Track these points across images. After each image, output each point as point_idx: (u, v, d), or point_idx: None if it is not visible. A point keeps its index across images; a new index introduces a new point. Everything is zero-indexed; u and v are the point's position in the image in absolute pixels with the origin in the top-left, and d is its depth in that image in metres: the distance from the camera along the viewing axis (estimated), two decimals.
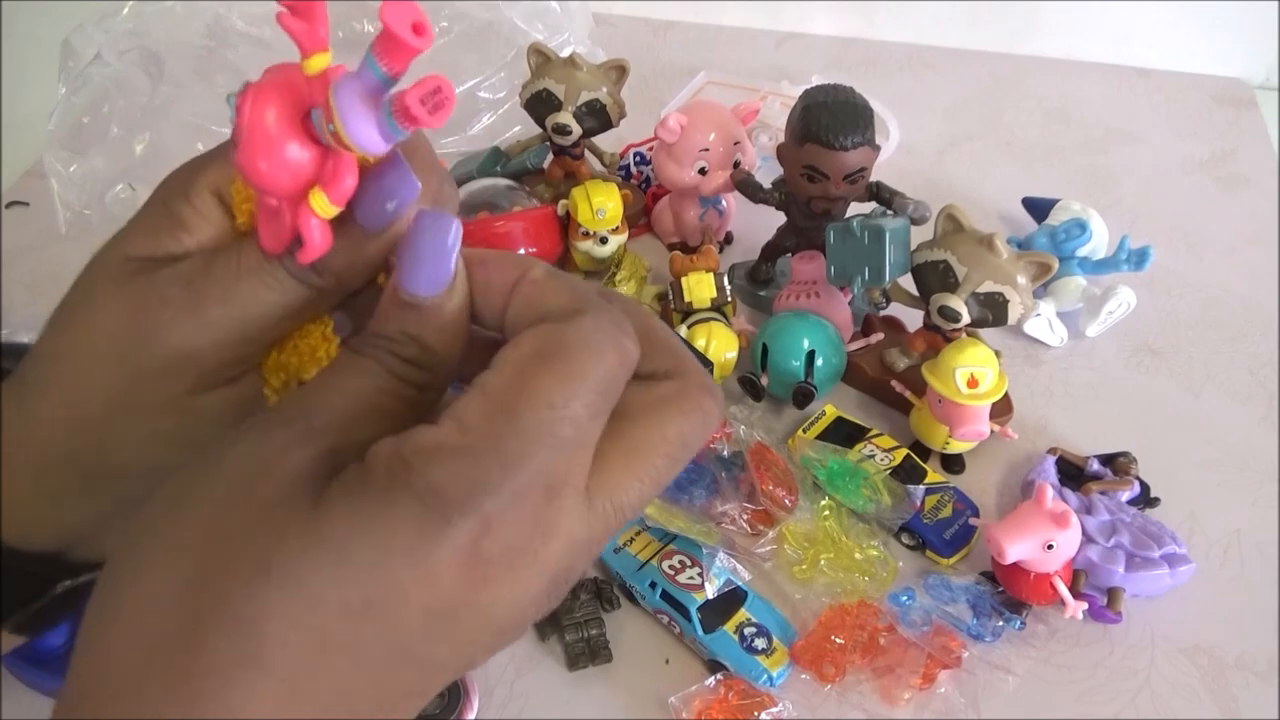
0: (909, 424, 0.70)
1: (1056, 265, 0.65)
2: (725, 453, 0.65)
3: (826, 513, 0.64)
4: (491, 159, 0.88)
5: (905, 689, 0.56)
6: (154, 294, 0.27)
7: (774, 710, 0.55)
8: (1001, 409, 0.70)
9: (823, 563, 0.62)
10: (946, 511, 0.65)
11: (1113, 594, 0.60)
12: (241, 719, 0.19)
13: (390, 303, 0.25)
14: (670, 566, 0.60)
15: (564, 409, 0.22)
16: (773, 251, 0.80)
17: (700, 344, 0.70)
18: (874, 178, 0.72)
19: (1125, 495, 0.65)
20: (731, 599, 0.59)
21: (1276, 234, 0.91)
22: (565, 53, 0.80)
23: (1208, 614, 0.61)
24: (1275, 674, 0.59)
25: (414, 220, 0.24)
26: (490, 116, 0.94)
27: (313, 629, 0.20)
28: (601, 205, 0.77)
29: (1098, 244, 0.83)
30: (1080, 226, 0.81)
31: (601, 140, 0.85)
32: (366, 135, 0.23)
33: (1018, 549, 0.56)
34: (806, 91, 0.71)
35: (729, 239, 0.89)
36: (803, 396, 0.69)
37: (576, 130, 0.80)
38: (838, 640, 0.58)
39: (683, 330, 0.72)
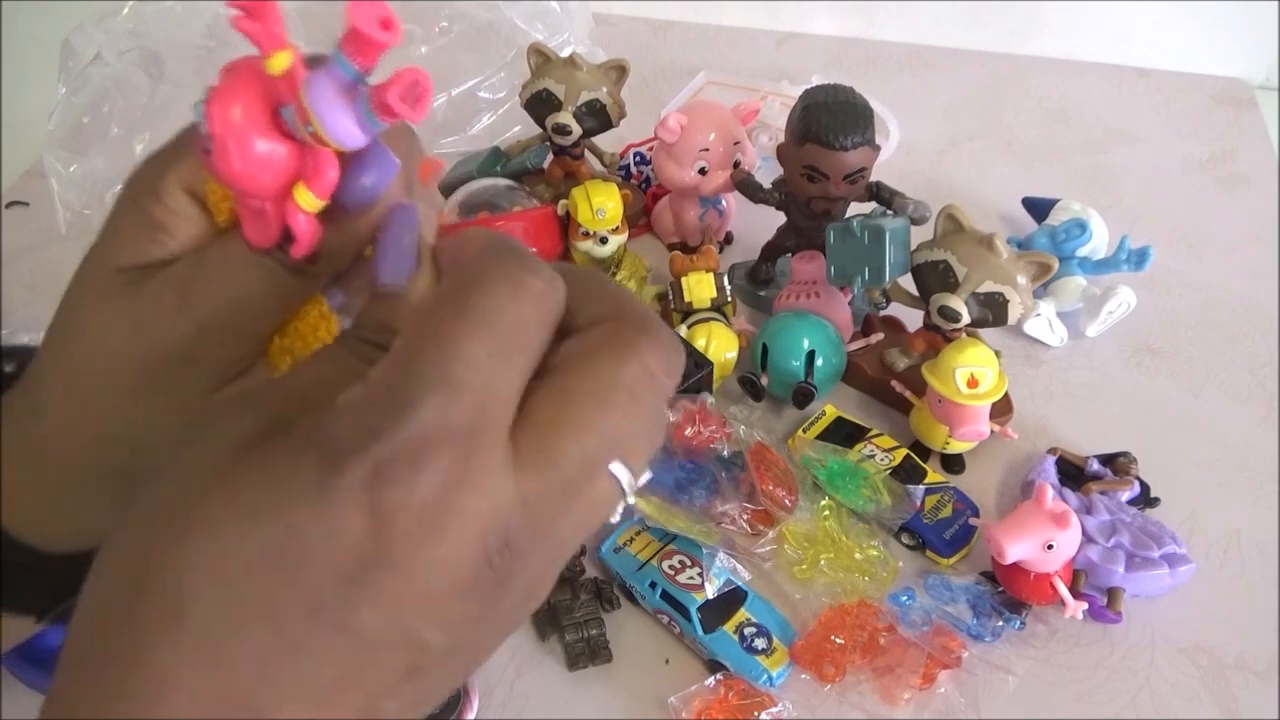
0: (909, 424, 0.70)
1: (1056, 265, 0.65)
2: (725, 453, 0.65)
3: (826, 513, 0.64)
4: (491, 159, 0.88)
5: (905, 689, 0.56)
6: (150, 304, 0.27)
7: (774, 710, 0.55)
8: (1001, 409, 0.70)
9: (823, 563, 0.62)
10: (946, 511, 0.65)
11: (1113, 594, 0.60)
12: (169, 685, 0.19)
13: (369, 295, 0.25)
14: (670, 566, 0.60)
15: (454, 349, 0.21)
16: (773, 251, 0.80)
17: (700, 344, 0.70)
18: (874, 178, 0.72)
19: (1125, 495, 0.65)
20: (731, 599, 0.59)
21: (1276, 234, 0.91)
22: (565, 53, 0.80)
23: (1208, 614, 0.61)
24: (1275, 674, 0.59)
25: (390, 209, 0.25)
26: (490, 116, 0.94)
27: (229, 587, 0.20)
28: (601, 205, 0.77)
29: (1098, 244, 0.83)
30: (1080, 226, 0.81)
31: (601, 140, 0.85)
32: (347, 131, 0.23)
33: (1018, 549, 0.56)
34: (806, 91, 0.71)
35: (729, 239, 0.89)
36: (803, 396, 0.69)
37: (576, 130, 0.80)
38: (838, 640, 0.58)
39: (683, 330, 0.72)
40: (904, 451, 0.68)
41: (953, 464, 0.70)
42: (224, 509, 0.20)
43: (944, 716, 0.56)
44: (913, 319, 0.74)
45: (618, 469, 0.22)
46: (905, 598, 0.61)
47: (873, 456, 0.67)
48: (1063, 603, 0.58)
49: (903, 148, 1.00)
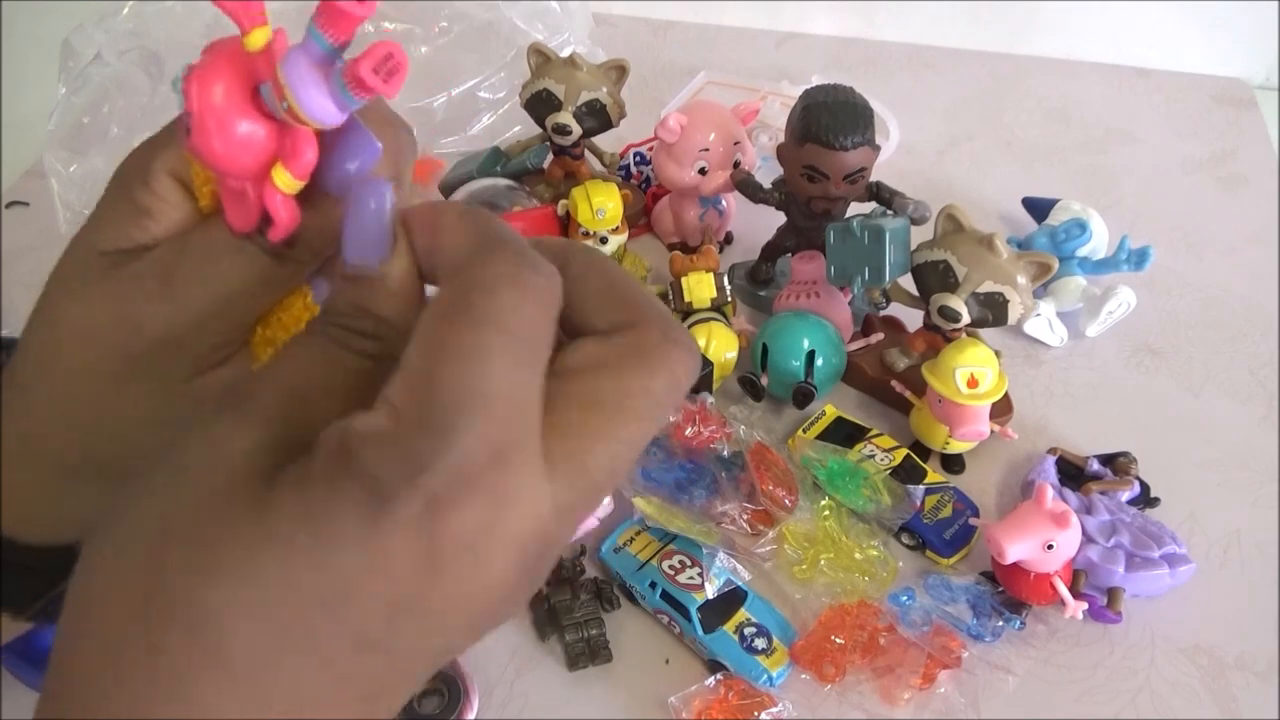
0: (909, 424, 0.70)
1: (1056, 265, 0.65)
2: (725, 453, 0.65)
3: (826, 513, 0.64)
4: (491, 159, 0.88)
5: (905, 689, 0.56)
6: (132, 287, 0.26)
7: (774, 710, 0.55)
8: (1001, 409, 0.70)
9: (823, 563, 0.62)
10: (946, 511, 0.65)
11: (1113, 594, 0.60)
12: (208, 719, 0.19)
13: (338, 277, 0.24)
14: (670, 566, 0.60)
15: (481, 363, 0.20)
16: (773, 251, 0.80)
17: (700, 344, 0.70)
18: (874, 178, 0.72)
19: (1125, 495, 0.65)
20: (731, 599, 0.59)
21: (1276, 234, 0.91)
22: (565, 53, 0.80)
23: (1208, 614, 0.61)
24: (1275, 674, 0.59)
25: (354, 189, 0.23)
26: (490, 116, 0.94)
27: (269, 622, 0.19)
28: (601, 205, 0.77)
29: (1098, 244, 0.83)
30: (1080, 226, 0.81)
31: (601, 140, 0.85)
32: (321, 107, 0.22)
33: (1018, 549, 0.56)
34: (806, 91, 0.71)
35: (729, 239, 0.89)
36: (803, 396, 0.69)
37: (576, 130, 0.80)
38: (838, 640, 0.58)
39: None
40: (904, 451, 0.68)
41: (953, 464, 0.70)
42: (264, 544, 0.20)
43: (944, 716, 0.56)
44: (913, 319, 0.74)
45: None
46: (905, 598, 0.61)
47: (873, 456, 0.67)
48: (1063, 603, 0.58)
49: (903, 148, 1.00)
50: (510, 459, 0.20)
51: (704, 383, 0.69)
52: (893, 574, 0.62)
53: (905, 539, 0.65)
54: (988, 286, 0.64)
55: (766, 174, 0.78)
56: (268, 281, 0.27)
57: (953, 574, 0.63)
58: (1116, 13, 1.12)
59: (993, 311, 0.65)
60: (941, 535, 0.63)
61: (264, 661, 0.20)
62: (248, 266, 0.26)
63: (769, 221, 0.79)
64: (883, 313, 0.79)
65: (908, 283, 0.70)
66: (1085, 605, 0.59)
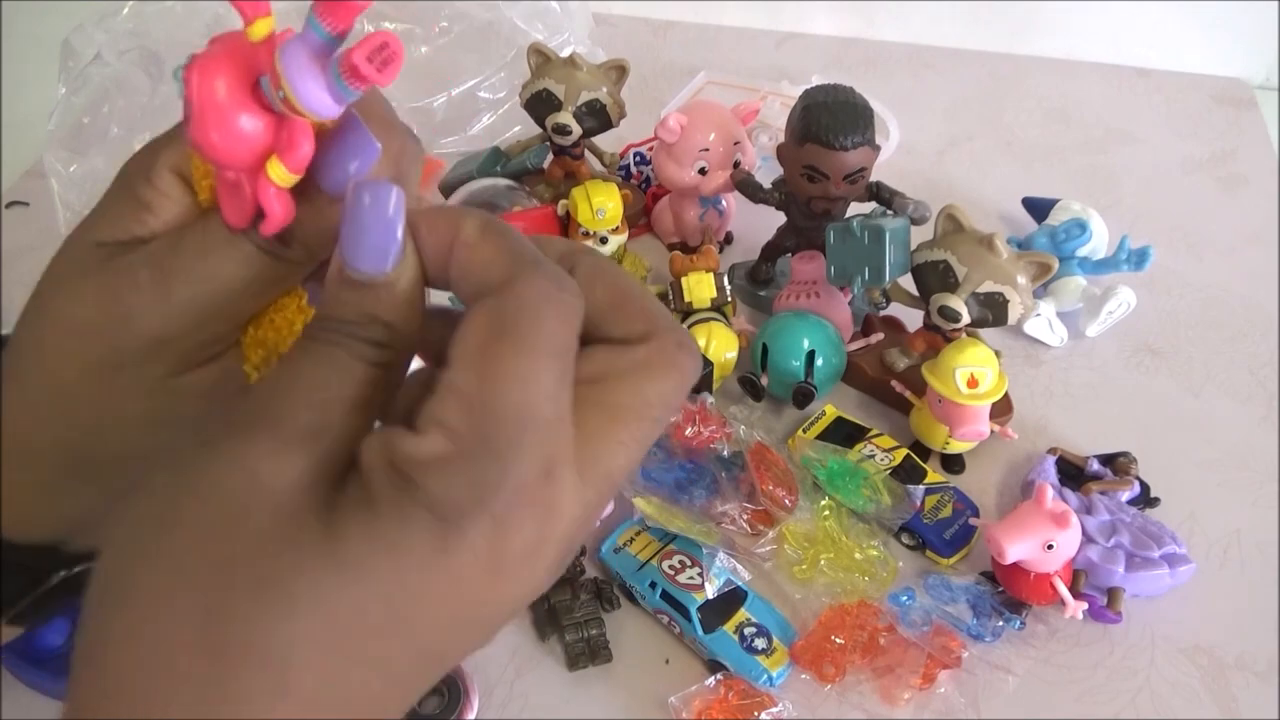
0: (909, 424, 0.70)
1: (1056, 265, 0.65)
2: (725, 453, 0.65)
3: (826, 513, 0.64)
4: (491, 159, 0.88)
5: (905, 689, 0.56)
6: (124, 278, 0.26)
7: (774, 710, 0.55)
8: (1001, 409, 0.70)
9: (823, 563, 0.62)
10: (946, 511, 0.65)
11: (1113, 594, 0.60)
12: None
13: (339, 283, 0.23)
14: (670, 566, 0.60)
15: (535, 386, 0.21)
16: (773, 251, 0.80)
17: (700, 344, 0.70)
18: (874, 178, 0.72)
19: (1125, 495, 0.65)
20: (731, 599, 0.59)
21: (1276, 234, 0.91)
22: (565, 53, 0.80)
23: (1208, 614, 0.61)
24: (1275, 674, 0.59)
25: (351, 193, 0.23)
26: (490, 116, 0.94)
27: (339, 650, 0.20)
28: (601, 205, 0.77)
29: (1098, 244, 0.83)
30: (1080, 226, 0.81)
31: (601, 140, 0.85)
32: (316, 98, 0.22)
33: (1018, 549, 0.56)
34: (806, 91, 0.71)
35: (729, 239, 0.89)
36: (803, 396, 0.69)
37: (576, 130, 0.80)
38: (838, 640, 0.58)
39: None
40: (904, 451, 0.68)
41: (953, 464, 0.70)
42: (334, 577, 0.20)
43: (944, 716, 0.56)
44: (913, 319, 0.74)
45: None
46: (905, 598, 0.61)
47: (873, 456, 0.67)
48: (1063, 603, 0.58)
49: (903, 148, 1.00)
50: (555, 472, 0.22)
51: (704, 383, 0.69)
52: (893, 574, 0.62)
53: (905, 539, 0.65)
54: (988, 286, 0.64)
55: (766, 174, 0.78)
56: (261, 280, 0.27)
57: (953, 574, 0.63)
58: (1116, 13, 1.12)
59: (993, 311, 0.65)
60: (941, 535, 0.63)
61: (332, 685, 0.20)
62: (241, 263, 0.26)
63: (769, 221, 0.79)
64: (883, 313, 0.79)
65: (908, 283, 0.70)
66: (1085, 605, 0.59)
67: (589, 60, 0.80)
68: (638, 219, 0.88)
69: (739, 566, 0.61)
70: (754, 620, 0.59)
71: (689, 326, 0.72)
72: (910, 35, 1.18)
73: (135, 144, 0.82)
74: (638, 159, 0.91)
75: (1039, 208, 0.88)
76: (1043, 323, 0.79)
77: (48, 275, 0.28)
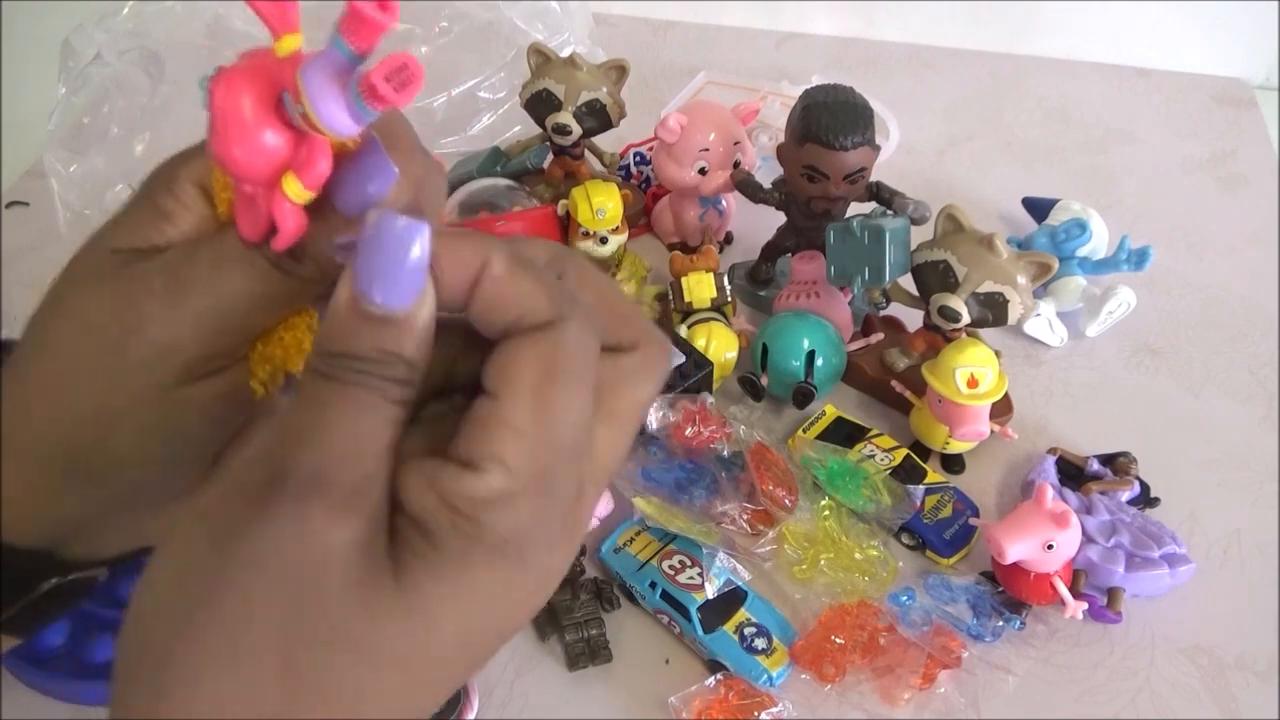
0: (909, 424, 0.70)
1: (1056, 265, 0.65)
2: (725, 453, 0.65)
3: (826, 513, 0.64)
4: (491, 159, 0.88)
5: (905, 689, 0.56)
6: (138, 285, 0.26)
7: (774, 710, 0.55)
8: (1001, 409, 0.70)
9: (823, 563, 0.62)
10: (946, 511, 0.65)
11: (1113, 594, 0.60)
12: None
13: (355, 316, 0.23)
14: (670, 566, 0.60)
15: (581, 420, 0.23)
16: (773, 251, 0.80)
17: (700, 344, 0.70)
18: (874, 178, 0.72)
19: (1125, 495, 0.65)
20: (731, 599, 0.59)
21: (1276, 234, 0.91)
22: (565, 53, 0.80)
23: (1208, 614, 0.61)
24: (1275, 674, 0.59)
25: (375, 225, 0.22)
26: (490, 116, 0.94)
27: (410, 685, 0.22)
28: (601, 205, 0.77)
29: (1098, 244, 0.83)
30: (1080, 226, 0.81)
31: (601, 140, 0.85)
32: (335, 116, 0.22)
33: (1018, 549, 0.56)
34: (806, 91, 0.71)
35: (729, 239, 0.89)
36: (803, 396, 0.69)
37: (576, 130, 0.80)
38: (838, 640, 0.58)
39: (683, 330, 0.72)
40: (904, 451, 0.68)
41: (953, 464, 0.70)
42: (409, 626, 0.22)
43: (944, 716, 0.56)
44: (913, 319, 0.74)
45: None
46: (905, 598, 0.61)
47: (873, 456, 0.67)
48: (1063, 603, 0.58)
49: (903, 148, 1.00)
50: (584, 489, 0.24)
51: (704, 383, 0.69)
52: (893, 574, 0.62)
53: (905, 539, 0.65)
54: (988, 286, 0.64)
55: (766, 174, 0.78)
56: (273, 295, 0.27)
57: (953, 574, 0.63)
58: (1116, 13, 1.12)
59: (993, 311, 0.65)
60: (941, 535, 0.63)
61: (399, 710, 0.23)
62: (254, 277, 0.26)
63: (769, 221, 0.79)
64: (883, 313, 0.79)
65: (908, 283, 0.70)
66: (1085, 605, 0.59)
67: (589, 60, 0.80)
68: (638, 219, 0.88)
69: (739, 566, 0.61)
70: (754, 620, 0.59)
71: (689, 327, 0.72)
72: (910, 35, 1.18)
73: (135, 144, 0.83)
74: (638, 159, 0.91)
75: (1039, 208, 0.88)
76: (1043, 323, 0.79)
77: (63, 276, 0.28)
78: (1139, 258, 0.79)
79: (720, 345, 0.71)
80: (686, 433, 0.65)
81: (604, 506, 0.63)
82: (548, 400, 0.22)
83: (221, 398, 0.28)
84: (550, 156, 0.86)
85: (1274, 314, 0.83)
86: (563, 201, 0.79)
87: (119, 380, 0.27)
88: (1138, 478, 0.67)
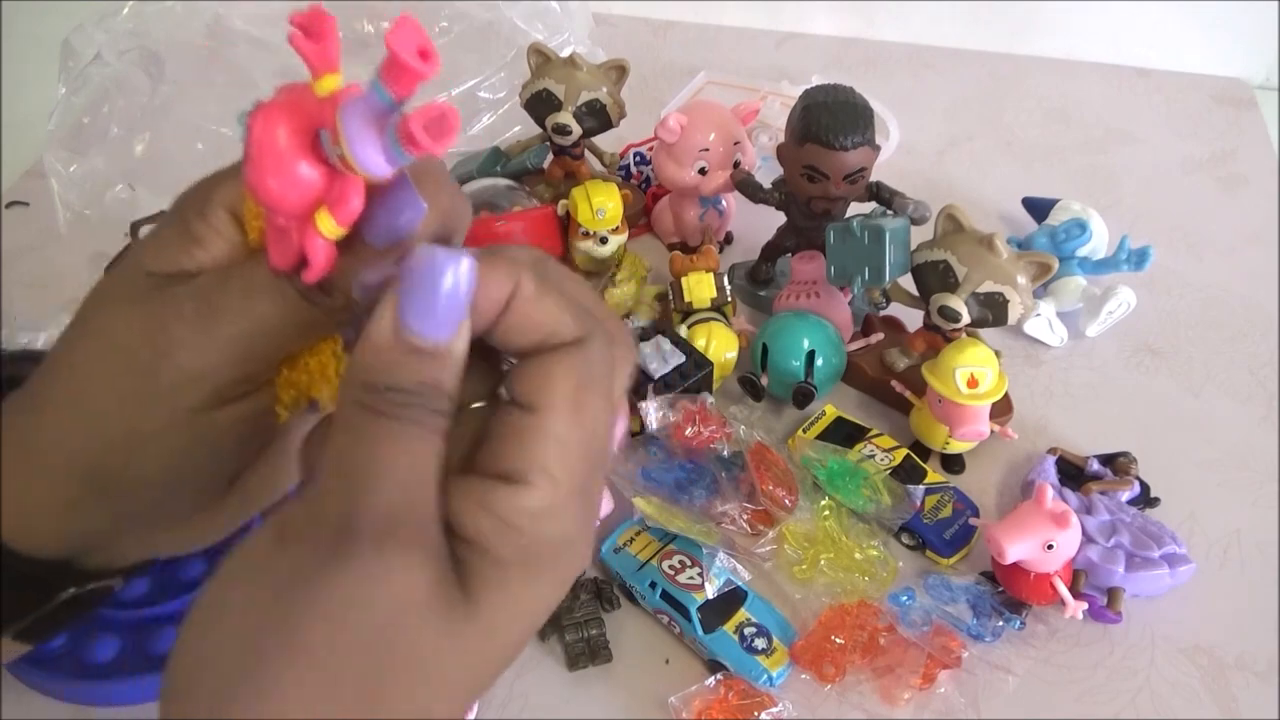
0: (909, 424, 0.70)
1: (1056, 265, 0.65)
2: (725, 453, 0.65)
3: (826, 513, 0.64)
4: (491, 159, 0.88)
5: (905, 689, 0.56)
6: (169, 310, 0.27)
7: (774, 710, 0.55)
8: (1001, 409, 0.70)
9: (823, 563, 0.62)
10: (946, 511, 0.65)
11: (1113, 594, 0.60)
12: None
13: (399, 349, 0.23)
14: (670, 566, 0.60)
15: (607, 428, 0.25)
16: (773, 251, 0.80)
17: (700, 344, 0.70)
18: (874, 178, 0.72)
19: (1125, 495, 0.65)
20: (731, 599, 0.59)
21: (1276, 234, 0.91)
22: (565, 53, 0.80)
23: (1208, 614, 0.61)
24: (1275, 674, 0.59)
25: (422, 260, 0.22)
26: (490, 116, 0.94)
27: (463, 698, 0.24)
28: (601, 205, 0.77)
29: (1098, 244, 0.83)
30: (1080, 226, 0.81)
31: (601, 140, 0.85)
32: (372, 159, 0.23)
33: (1018, 549, 0.56)
34: (806, 91, 0.71)
35: (729, 239, 0.89)
36: (803, 396, 0.69)
37: (576, 130, 0.80)
38: (838, 640, 0.58)
39: (683, 330, 0.72)
40: (904, 451, 0.68)
41: (953, 464, 0.70)
42: (481, 646, 0.23)
43: (944, 716, 0.56)
44: (913, 319, 0.74)
45: None
46: (905, 598, 0.61)
47: (873, 456, 0.67)
48: (1063, 603, 0.58)
49: (903, 148, 1.00)
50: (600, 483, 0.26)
51: (704, 383, 0.69)
52: (893, 574, 0.62)
53: (905, 539, 0.65)
54: (988, 286, 0.64)
55: (766, 174, 0.78)
56: (301, 324, 0.27)
57: (953, 574, 0.63)
58: (1116, 13, 1.12)
59: (993, 311, 0.65)
60: (941, 535, 0.63)
61: (451, 714, 0.24)
62: (284, 306, 0.27)
63: (769, 221, 0.79)
64: (883, 313, 0.79)
65: (908, 283, 0.70)
66: (1085, 605, 0.59)
67: (589, 60, 0.80)
68: (638, 219, 0.88)
69: (739, 566, 0.61)
70: (754, 620, 0.59)
71: (689, 327, 0.72)
72: (910, 35, 1.18)
73: (135, 144, 0.83)
74: (638, 159, 0.91)
75: (1039, 208, 0.88)
76: (1043, 323, 0.79)
77: (94, 296, 0.29)
78: (1139, 258, 0.79)
79: (720, 345, 0.71)
80: (686, 433, 0.65)
81: (604, 506, 0.63)
82: (583, 411, 0.23)
83: (246, 421, 0.29)
84: (550, 156, 0.86)
85: (1274, 314, 0.83)
86: (563, 201, 0.79)
87: (148, 404, 0.27)
88: (1138, 478, 0.67)
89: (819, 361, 0.70)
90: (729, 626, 0.58)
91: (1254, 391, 0.77)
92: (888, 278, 0.67)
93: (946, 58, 1.16)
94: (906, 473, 0.67)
